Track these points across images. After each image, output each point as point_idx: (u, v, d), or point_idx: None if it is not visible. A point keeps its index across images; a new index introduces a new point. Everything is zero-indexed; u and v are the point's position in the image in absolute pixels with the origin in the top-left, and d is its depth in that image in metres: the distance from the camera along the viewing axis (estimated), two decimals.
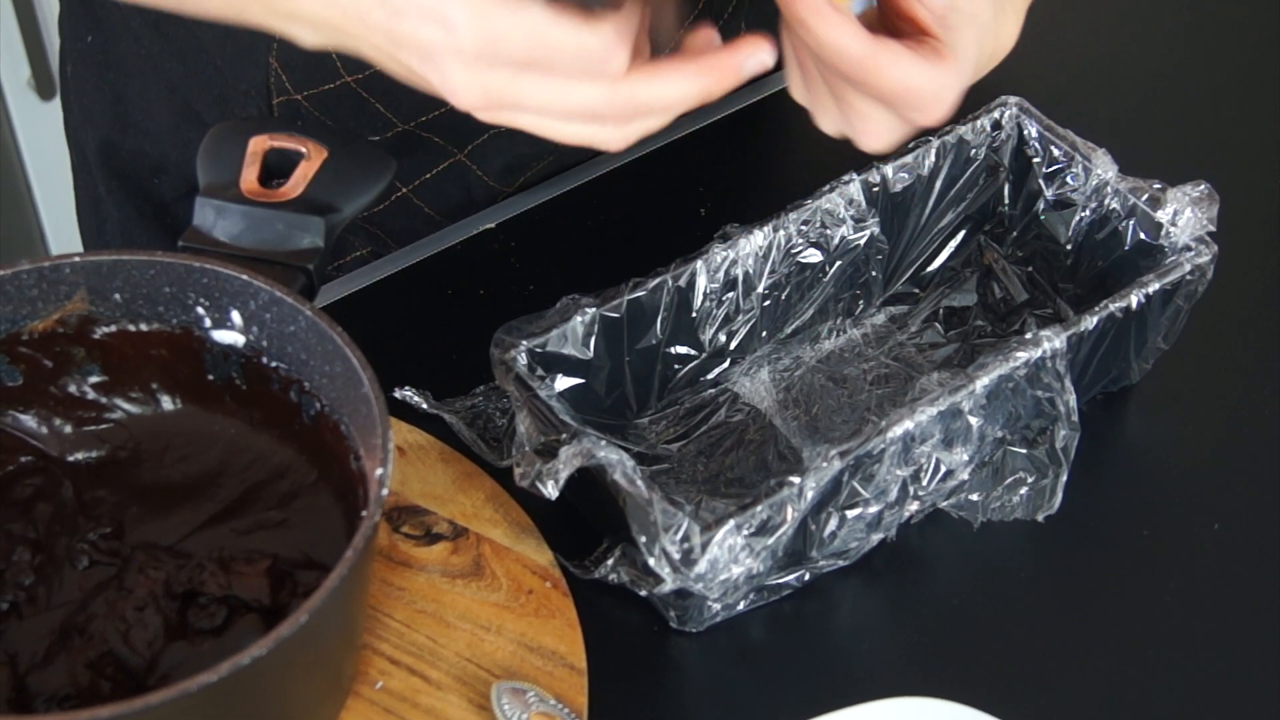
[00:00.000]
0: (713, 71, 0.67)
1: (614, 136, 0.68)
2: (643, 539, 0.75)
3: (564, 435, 0.77)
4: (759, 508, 0.74)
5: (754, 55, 0.68)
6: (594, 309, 0.83)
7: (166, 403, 0.78)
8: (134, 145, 1.02)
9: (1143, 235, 0.87)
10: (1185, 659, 0.80)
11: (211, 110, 0.97)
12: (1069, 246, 0.91)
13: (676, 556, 0.74)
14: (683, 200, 0.98)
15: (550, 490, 0.76)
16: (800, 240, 0.88)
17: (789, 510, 0.75)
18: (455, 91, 0.66)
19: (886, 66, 0.70)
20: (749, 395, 0.89)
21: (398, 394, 0.85)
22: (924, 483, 0.81)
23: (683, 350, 0.87)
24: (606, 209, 1.00)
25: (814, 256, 0.89)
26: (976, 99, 0.92)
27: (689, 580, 0.74)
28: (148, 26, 0.98)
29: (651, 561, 0.74)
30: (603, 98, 0.66)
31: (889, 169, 0.89)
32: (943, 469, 0.81)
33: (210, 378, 0.77)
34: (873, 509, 0.79)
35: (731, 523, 0.74)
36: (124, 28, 0.99)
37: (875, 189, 0.89)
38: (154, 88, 0.99)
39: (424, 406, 0.86)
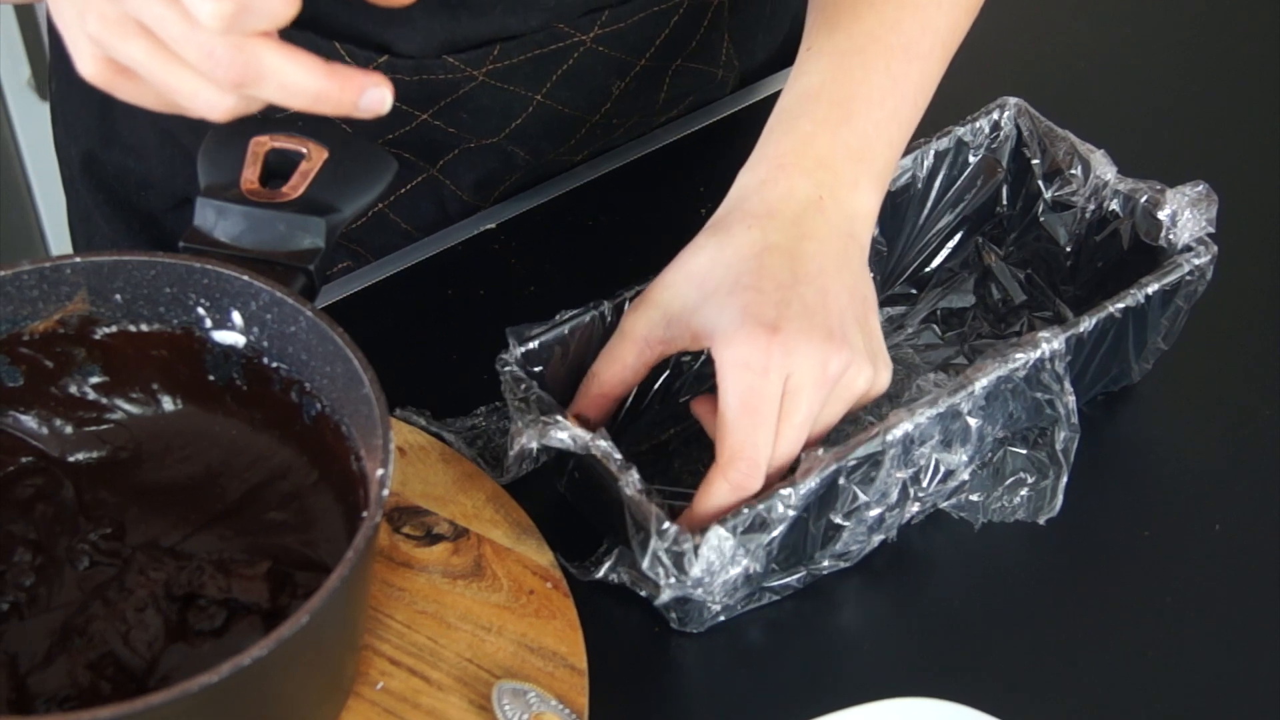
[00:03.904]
0: (337, 80, 0.65)
1: (215, 100, 0.65)
2: (639, 538, 0.75)
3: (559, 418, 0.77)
4: (746, 510, 0.74)
5: (378, 89, 0.66)
6: (595, 311, 0.83)
7: (167, 403, 0.78)
8: (119, 160, 1.02)
9: (1142, 236, 0.87)
10: (1185, 659, 0.80)
11: (186, 133, 0.97)
12: (1068, 248, 0.91)
13: (669, 560, 0.74)
14: (683, 200, 0.98)
15: (529, 444, 0.77)
16: None
17: (780, 510, 0.75)
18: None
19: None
20: None
21: (398, 412, 0.85)
22: (924, 484, 0.81)
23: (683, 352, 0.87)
24: (606, 209, 1.00)
25: None
26: (975, 100, 0.92)
27: (687, 587, 0.74)
28: None
29: (645, 565, 0.74)
30: (225, 47, 0.63)
31: None
32: (942, 470, 0.81)
33: (211, 378, 0.77)
34: (873, 511, 0.79)
35: (720, 525, 0.74)
36: None
37: None
38: (138, 107, 0.99)
39: (423, 425, 0.86)
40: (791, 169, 0.80)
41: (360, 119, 0.67)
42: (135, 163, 1.01)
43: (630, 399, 0.86)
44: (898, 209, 0.90)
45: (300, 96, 0.65)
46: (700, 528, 0.75)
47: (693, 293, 0.78)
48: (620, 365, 0.80)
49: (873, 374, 0.78)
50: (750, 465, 0.75)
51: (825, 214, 0.79)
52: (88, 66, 0.67)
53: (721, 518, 0.75)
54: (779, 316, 0.75)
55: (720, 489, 0.75)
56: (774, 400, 0.75)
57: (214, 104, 0.66)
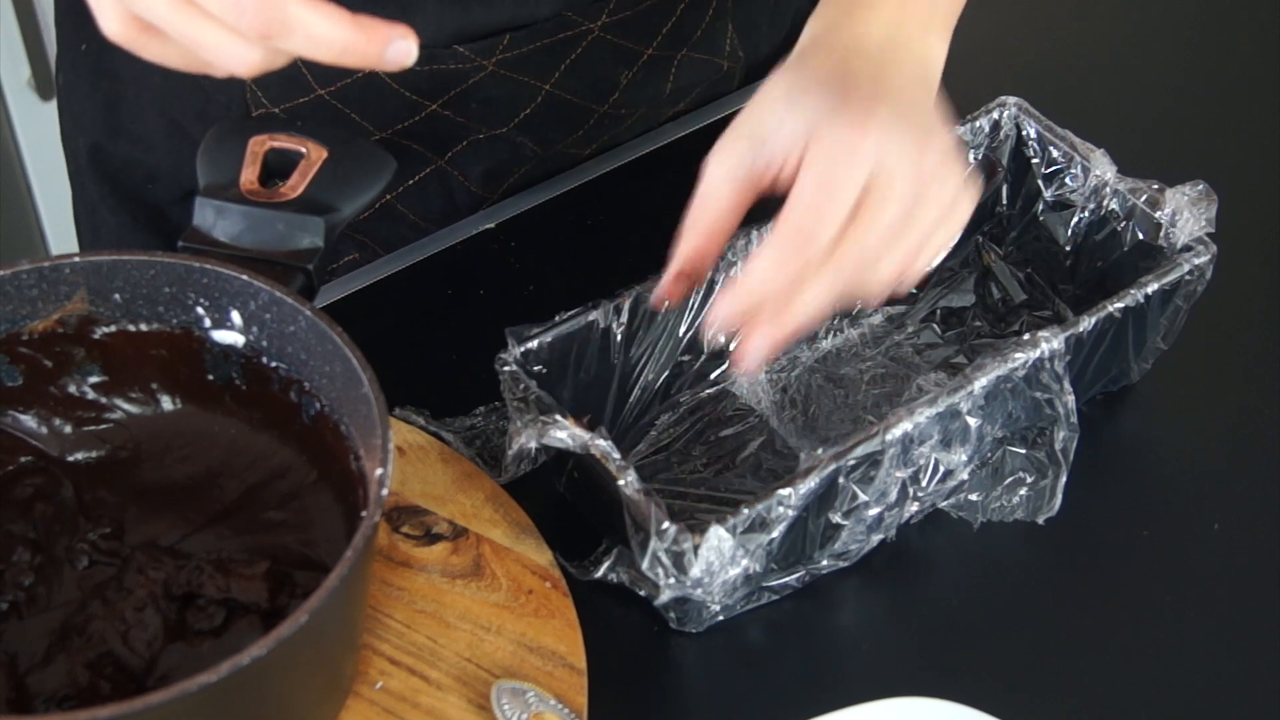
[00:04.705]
0: (365, 32, 0.64)
1: (241, 54, 0.65)
2: (638, 538, 0.75)
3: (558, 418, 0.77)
4: (746, 510, 0.74)
5: (404, 41, 0.65)
6: (595, 311, 0.83)
7: (166, 403, 0.78)
8: (126, 152, 1.02)
9: (1141, 236, 0.88)
10: (1185, 659, 0.80)
11: (195, 124, 0.97)
12: (1068, 247, 0.91)
13: (668, 560, 0.74)
14: (683, 200, 0.97)
15: (528, 444, 0.76)
16: None
17: (779, 510, 0.75)
18: None
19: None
20: (747, 396, 0.89)
21: (397, 412, 0.85)
22: (923, 483, 0.81)
23: (682, 353, 0.87)
24: (606, 209, 1.00)
25: None
26: (975, 100, 0.92)
27: (687, 587, 0.74)
28: None
29: (645, 565, 0.74)
30: None
31: None
32: (941, 469, 0.81)
33: (210, 378, 0.77)
34: (872, 510, 0.79)
35: (720, 525, 0.74)
36: None
37: None
38: (145, 98, 0.99)
39: (422, 424, 0.86)
40: (862, 9, 0.78)
41: (385, 71, 0.66)
42: (142, 154, 1.01)
43: (630, 399, 0.86)
44: None
45: (327, 48, 0.64)
46: (738, 301, 0.72)
47: (778, 110, 0.75)
48: (716, 209, 0.77)
49: (958, 185, 0.74)
50: (809, 234, 0.71)
51: (899, 55, 0.76)
52: (112, 25, 0.66)
53: (759, 305, 0.72)
54: (871, 111, 0.72)
55: (775, 249, 0.72)
56: (853, 185, 0.71)
57: (241, 58, 0.65)
